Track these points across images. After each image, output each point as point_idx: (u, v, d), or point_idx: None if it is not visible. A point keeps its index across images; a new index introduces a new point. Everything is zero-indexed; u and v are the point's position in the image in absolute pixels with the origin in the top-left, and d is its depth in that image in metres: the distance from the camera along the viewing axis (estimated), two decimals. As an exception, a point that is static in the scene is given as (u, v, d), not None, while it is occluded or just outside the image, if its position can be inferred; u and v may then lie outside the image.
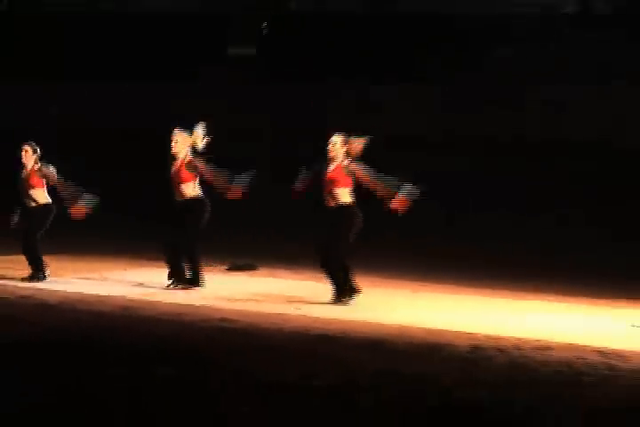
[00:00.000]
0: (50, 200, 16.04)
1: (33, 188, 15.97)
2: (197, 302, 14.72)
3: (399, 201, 14.27)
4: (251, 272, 17.22)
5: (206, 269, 15.87)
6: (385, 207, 14.22)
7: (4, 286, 15.55)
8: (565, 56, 22.61)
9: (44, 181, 15.98)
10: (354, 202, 14.51)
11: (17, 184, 16.10)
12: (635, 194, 20.24)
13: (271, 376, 10.66)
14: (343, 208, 14.50)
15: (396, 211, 14.28)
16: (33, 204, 15.98)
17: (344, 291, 14.63)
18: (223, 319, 13.53)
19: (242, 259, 17.47)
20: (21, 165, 16.07)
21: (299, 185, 14.71)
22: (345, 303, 14.59)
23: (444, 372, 11.18)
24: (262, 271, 17.31)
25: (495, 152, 21.26)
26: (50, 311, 13.84)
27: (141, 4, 25.95)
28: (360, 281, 14.87)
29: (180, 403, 9.57)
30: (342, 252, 14.54)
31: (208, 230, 15.52)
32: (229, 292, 15.43)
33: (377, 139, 14.68)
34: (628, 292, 15.64)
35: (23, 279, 15.86)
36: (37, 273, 15.97)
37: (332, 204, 14.53)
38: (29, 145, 16.06)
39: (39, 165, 16.00)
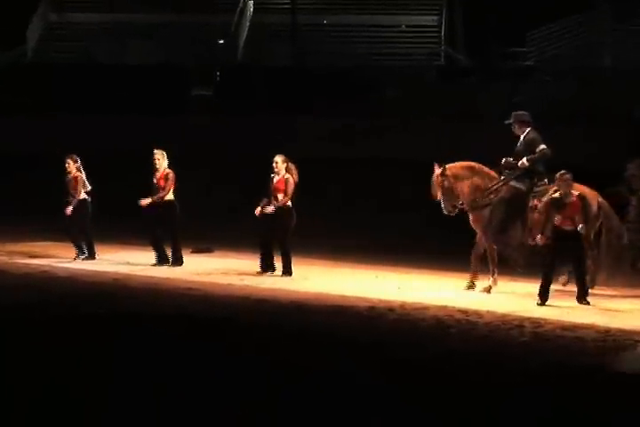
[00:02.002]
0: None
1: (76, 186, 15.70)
2: (170, 275, 14.55)
3: None
4: (209, 254, 16.90)
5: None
6: None
7: (28, 263, 15.32)
8: (436, 95, 22.50)
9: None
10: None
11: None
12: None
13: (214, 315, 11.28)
14: (283, 207, 14.52)
15: None
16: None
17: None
18: (189, 288, 13.43)
19: (202, 244, 17.12)
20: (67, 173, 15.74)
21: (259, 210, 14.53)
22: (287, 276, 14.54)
23: (351, 324, 11.23)
24: (217, 253, 16.95)
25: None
26: (57, 282, 13.74)
27: (125, 58, 25.49)
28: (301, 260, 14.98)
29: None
30: (285, 237, 14.51)
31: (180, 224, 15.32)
32: (194, 268, 15.18)
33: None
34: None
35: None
36: (81, 253, 15.75)
37: (275, 204, 14.53)
38: (71, 158, 15.72)
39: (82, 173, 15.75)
